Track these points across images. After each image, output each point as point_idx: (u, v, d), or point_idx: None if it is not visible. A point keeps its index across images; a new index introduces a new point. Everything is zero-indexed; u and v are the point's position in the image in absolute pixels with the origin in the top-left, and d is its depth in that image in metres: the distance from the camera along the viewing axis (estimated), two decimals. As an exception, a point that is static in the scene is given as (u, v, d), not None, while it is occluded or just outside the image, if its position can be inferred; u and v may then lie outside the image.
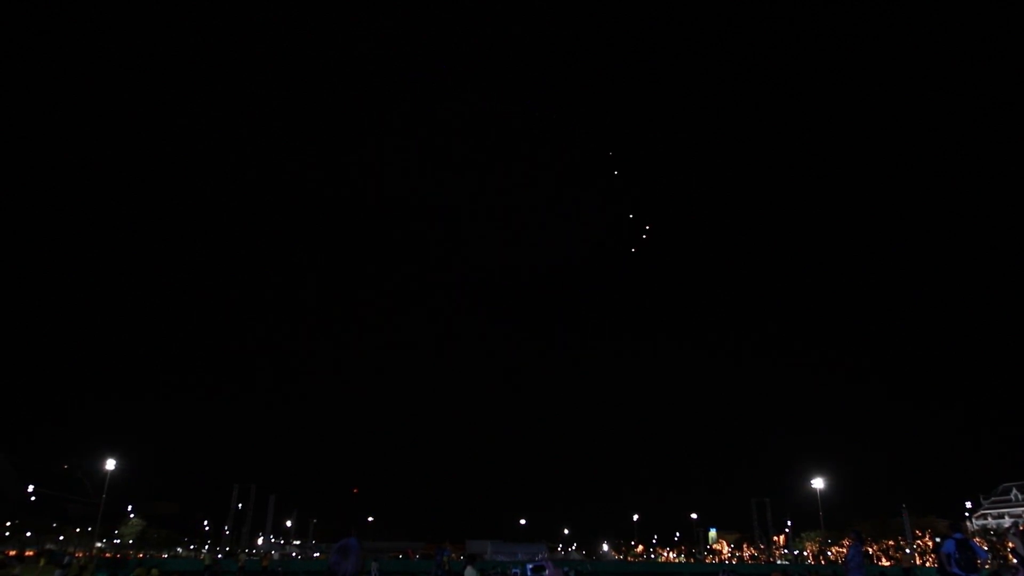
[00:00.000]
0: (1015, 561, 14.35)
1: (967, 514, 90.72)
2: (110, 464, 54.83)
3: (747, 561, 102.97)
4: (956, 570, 12.45)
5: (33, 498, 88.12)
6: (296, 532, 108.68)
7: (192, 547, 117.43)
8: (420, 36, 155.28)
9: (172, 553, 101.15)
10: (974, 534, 75.77)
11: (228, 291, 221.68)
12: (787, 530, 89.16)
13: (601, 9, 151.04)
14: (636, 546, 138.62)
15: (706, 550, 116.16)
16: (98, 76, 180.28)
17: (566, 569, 38.25)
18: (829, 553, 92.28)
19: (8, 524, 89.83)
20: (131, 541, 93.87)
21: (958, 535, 12.99)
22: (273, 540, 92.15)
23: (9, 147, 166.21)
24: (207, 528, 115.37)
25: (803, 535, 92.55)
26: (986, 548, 66.31)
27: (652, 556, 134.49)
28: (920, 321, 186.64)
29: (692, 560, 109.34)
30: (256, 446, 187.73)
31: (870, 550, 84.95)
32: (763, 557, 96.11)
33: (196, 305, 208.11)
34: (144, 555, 70.79)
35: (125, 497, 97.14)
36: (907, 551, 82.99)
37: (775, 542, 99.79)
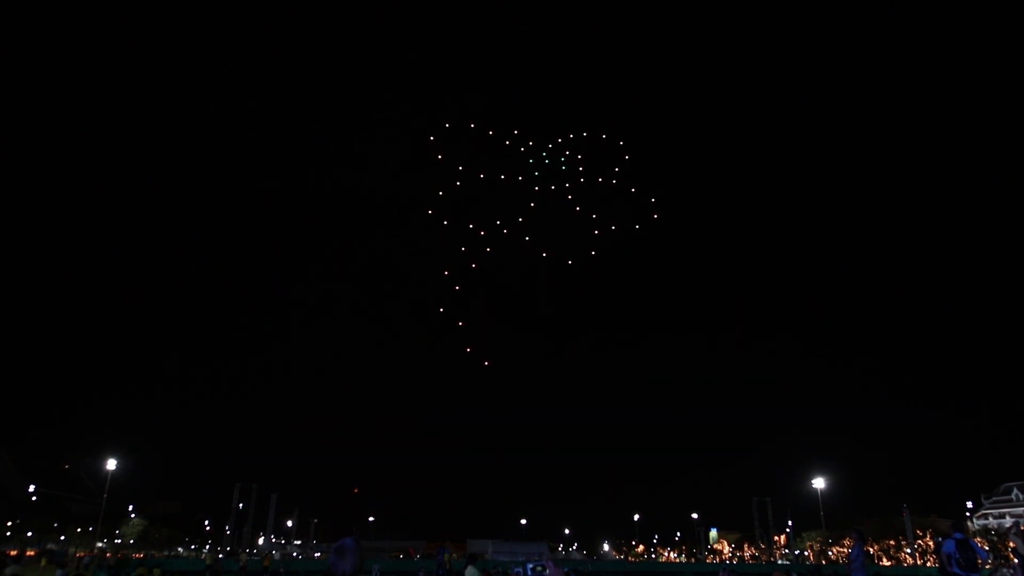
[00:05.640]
0: (1016, 560, 14.35)
1: (968, 514, 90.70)
2: (111, 463, 54.97)
3: (748, 561, 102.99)
4: (957, 570, 12.46)
5: (35, 497, 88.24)
6: (297, 532, 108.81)
7: (193, 547, 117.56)
8: (417, 33, 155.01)
9: (173, 553, 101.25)
10: (975, 534, 75.72)
11: (230, 290, 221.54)
12: (788, 530, 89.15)
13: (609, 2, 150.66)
14: (637, 546, 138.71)
15: (707, 550, 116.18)
16: (95, 76, 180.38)
17: (567, 569, 38.26)
18: (830, 553, 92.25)
19: (9, 523, 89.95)
20: (132, 541, 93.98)
21: (959, 535, 13.01)
22: (274, 540, 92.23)
23: (10, 146, 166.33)
24: (208, 528, 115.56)
25: (804, 535, 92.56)
26: (987, 548, 66.31)
27: (653, 556, 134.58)
28: (922, 320, 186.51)
29: (693, 560, 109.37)
30: (257, 445, 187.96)
31: (871, 550, 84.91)
32: (764, 557, 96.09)
33: (198, 304, 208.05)
34: (145, 555, 70.80)
35: (126, 496, 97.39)
36: (797, 552, 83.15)
37: (776, 542, 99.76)
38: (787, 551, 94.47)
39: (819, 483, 65.45)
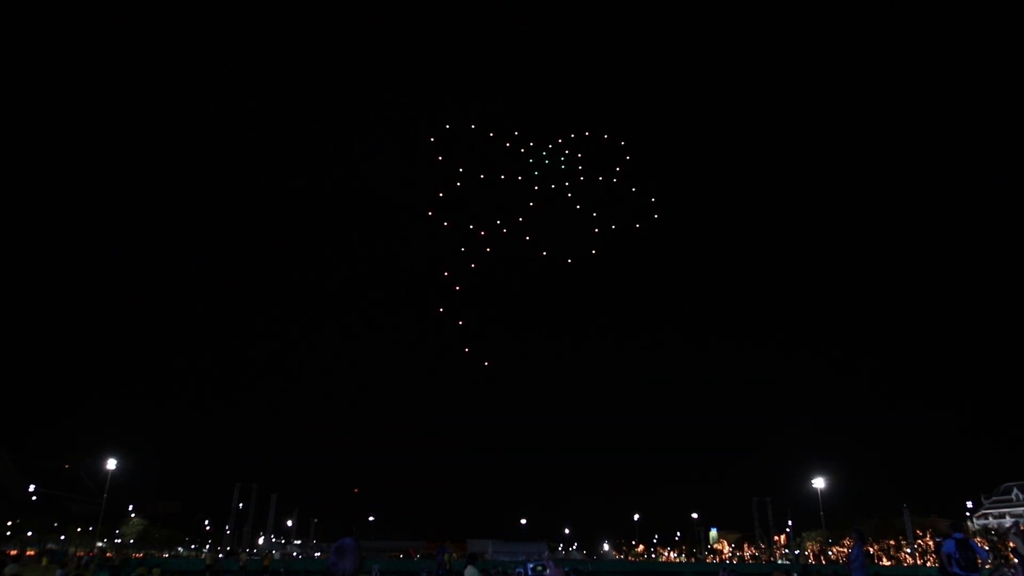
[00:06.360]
0: (1016, 560, 14.34)
1: (968, 514, 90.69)
2: (111, 463, 54.99)
3: (748, 561, 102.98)
4: (956, 570, 12.45)
5: (35, 497, 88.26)
6: (297, 531, 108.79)
7: (193, 547, 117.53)
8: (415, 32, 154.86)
9: (173, 552, 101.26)
10: (975, 534, 75.74)
11: (230, 290, 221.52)
12: (788, 530, 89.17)
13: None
14: (637, 546, 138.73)
15: (707, 550, 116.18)
16: (95, 76, 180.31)
17: (567, 568, 38.25)
18: (830, 552, 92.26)
19: (9, 523, 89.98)
20: (132, 541, 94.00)
21: (958, 535, 12.99)
22: (274, 540, 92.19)
23: (10, 146, 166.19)
24: (208, 528, 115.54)
25: (804, 535, 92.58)
26: (987, 548, 66.33)
27: (653, 556, 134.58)
28: (922, 320, 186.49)
29: (693, 560, 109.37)
30: (257, 445, 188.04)
31: (871, 550, 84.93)
32: (764, 557, 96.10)
33: (198, 304, 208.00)
34: (145, 554, 70.84)
35: (127, 496, 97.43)
36: (797, 552, 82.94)
37: (776, 542, 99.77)
38: (787, 551, 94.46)
39: (819, 483, 65.47)
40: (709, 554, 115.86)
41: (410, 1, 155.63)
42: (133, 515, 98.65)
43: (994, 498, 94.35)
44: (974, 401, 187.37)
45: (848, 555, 16.53)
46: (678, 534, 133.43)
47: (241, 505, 70.82)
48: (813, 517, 78.06)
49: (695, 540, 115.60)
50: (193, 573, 42.20)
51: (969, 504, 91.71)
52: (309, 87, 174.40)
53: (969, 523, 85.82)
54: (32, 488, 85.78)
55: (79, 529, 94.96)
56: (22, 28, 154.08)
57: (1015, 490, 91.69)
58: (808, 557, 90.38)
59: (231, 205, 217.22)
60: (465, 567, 21.09)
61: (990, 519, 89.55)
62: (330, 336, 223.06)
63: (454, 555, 33.09)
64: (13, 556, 54.31)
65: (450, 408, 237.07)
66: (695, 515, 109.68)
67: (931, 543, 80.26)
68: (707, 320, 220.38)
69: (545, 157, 47.13)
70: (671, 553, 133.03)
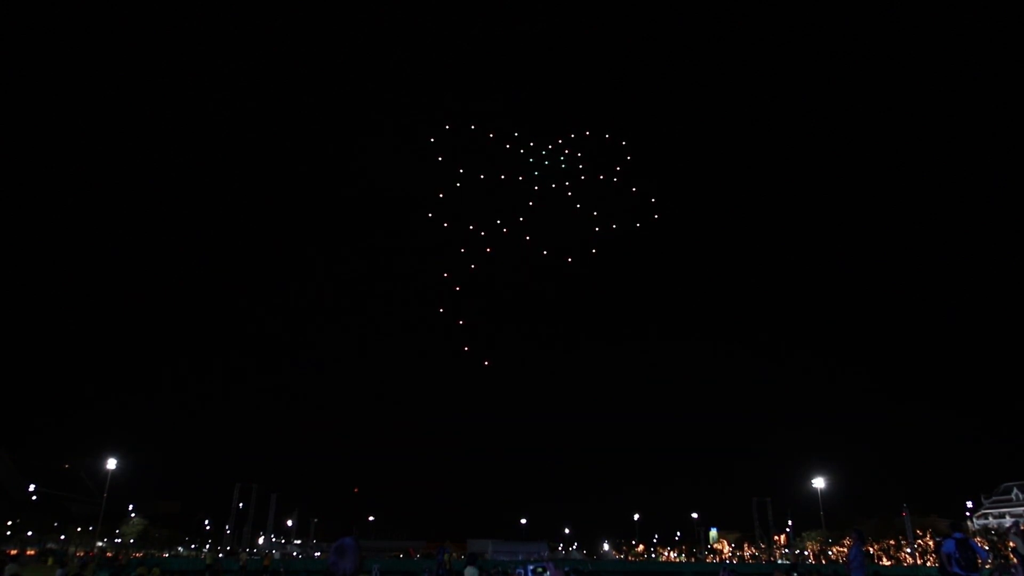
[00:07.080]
0: (1016, 560, 14.34)
1: (968, 513, 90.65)
2: (111, 463, 55.04)
3: (748, 561, 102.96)
4: (956, 569, 12.44)
5: (35, 497, 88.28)
6: (297, 531, 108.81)
7: (193, 546, 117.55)
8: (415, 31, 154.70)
9: (173, 552, 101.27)
10: (975, 533, 75.72)
11: (230, 289, 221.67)
12: (788, 529, 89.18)
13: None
14: (637, 545, 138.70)
15: (707, 549, 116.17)
16: (95, 76, 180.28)
17: (567, 568, 38.25)
18: (830, 552, 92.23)
19: (9, 523, 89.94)
20: (132, 540, 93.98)
21: (958, 535, 12.98)
22: (274, 539, 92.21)
23: (10, 146, 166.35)
24: (208, 527, 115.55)
25: (804, 534, 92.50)
26: (987, 548, 66.33)
27: (653, 555, 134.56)
28: (922, 320, 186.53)
29: (693, 559, 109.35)
30: (258, 445, 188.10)
31: (871, 549, 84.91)
32: (764, 557, 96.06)
33: (198, 304, 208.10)
34: (145, 554, 70.84)
35: (127, 496, 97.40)
36: (797, 551, 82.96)
37: (776, 542, 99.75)
38: (787, 551, 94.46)
39: (819, 483, 65.50)
40: (709, 554, 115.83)
41: (410, 1, 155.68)
42: (133, 515, 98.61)
43: (994, 498, 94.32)
44: (974, 401, 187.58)
45: (847, 555, 16.53)
46: (678, 534, 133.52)
47: (241, 505, 70.80)
48: (813, 517, 78.15)
49: (695, 540, 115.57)
50: (193, 573, 42.16)
51: (969, 504, 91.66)
52: (309, 87, 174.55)
53: (969, 523, 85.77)
54: (32, 488, 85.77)
55: (79, 529, 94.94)
56: (22, 28, 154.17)
57: (1015, 490, 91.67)
58: (807, 557, 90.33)
59: (231, 205, 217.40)
60: (465, 567, 21.11)
61: (990, 519, 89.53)
62: (330, 336, 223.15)
63: (454, 555, 33.08)
64: (13, 556, 54.37)
65: (450, 408, 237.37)
66: (695, 515, 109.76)
67: (931, 543, 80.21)
68: (707, 320, 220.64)
69: (545, 157, 47.18)
70: (671, 553, 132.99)
